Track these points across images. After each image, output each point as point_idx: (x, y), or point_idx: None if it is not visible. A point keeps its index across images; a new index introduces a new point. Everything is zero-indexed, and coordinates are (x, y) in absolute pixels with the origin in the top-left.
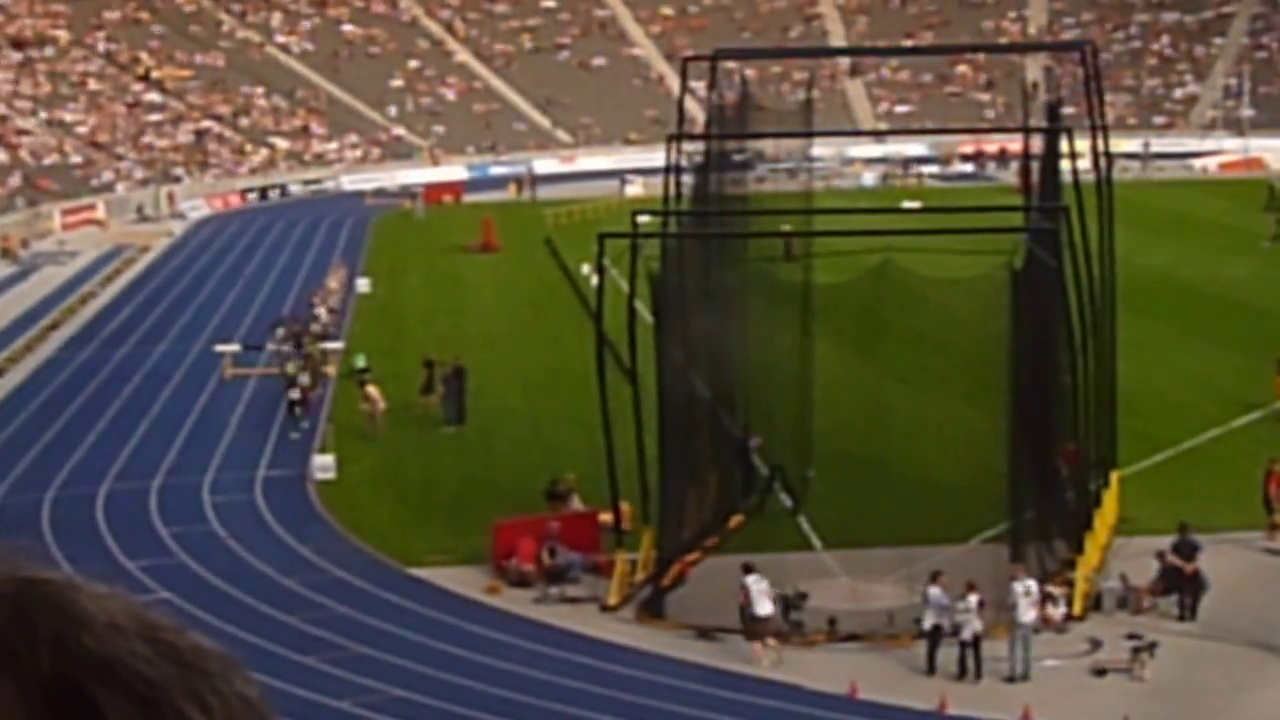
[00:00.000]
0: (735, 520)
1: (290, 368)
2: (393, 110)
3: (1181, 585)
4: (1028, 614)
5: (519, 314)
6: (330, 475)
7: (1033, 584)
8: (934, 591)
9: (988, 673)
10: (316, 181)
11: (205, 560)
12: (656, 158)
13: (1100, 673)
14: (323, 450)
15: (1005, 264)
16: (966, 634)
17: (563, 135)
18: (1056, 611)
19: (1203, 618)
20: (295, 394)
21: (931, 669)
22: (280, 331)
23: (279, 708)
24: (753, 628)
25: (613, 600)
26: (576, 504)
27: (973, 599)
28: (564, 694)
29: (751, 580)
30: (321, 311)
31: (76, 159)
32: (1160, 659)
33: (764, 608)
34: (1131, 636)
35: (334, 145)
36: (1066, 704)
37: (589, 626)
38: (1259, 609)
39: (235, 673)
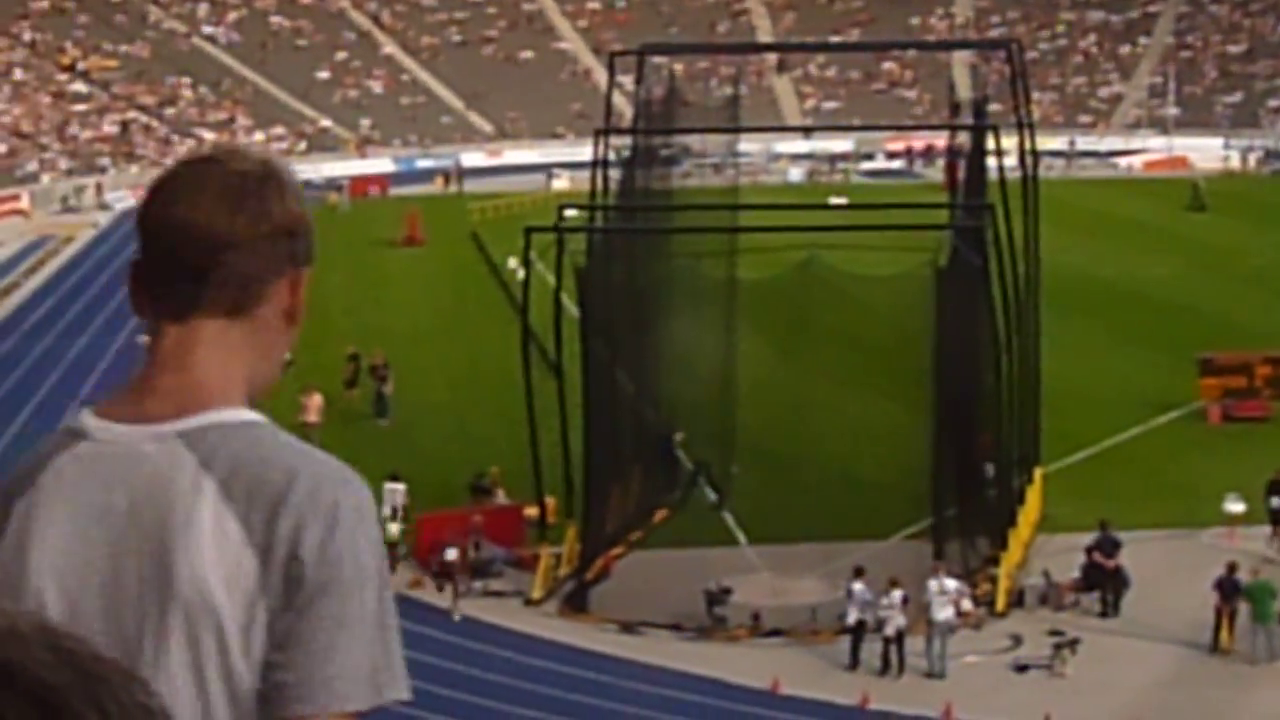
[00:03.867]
0: (659, 515)
1: None
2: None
3: (1103, 582)
4: (943, 612)
5: (444, 308)
6: None
7: (949, 582)
8: (857, 587)
9: (910, 669)
10: None
11: None
12: (583, 152)
13: (1022, 669)
14: None
15: (930, 261)
16: (890, 630)
17: (489, 129)
18: (973, 608)
19: (1124, 614)
20: None
21: (854, 664)
22: None
23: None
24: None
25: (536, 594)
26: (501, 498)
27: (896, 595)
28: (487, 688)
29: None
30: None
31: (0, 149)
32: (1082, 655)
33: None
34: (1053, 633)
35: (260, 136)
36: (988, 700)
37: (513, 620)
38: (1180, 606)
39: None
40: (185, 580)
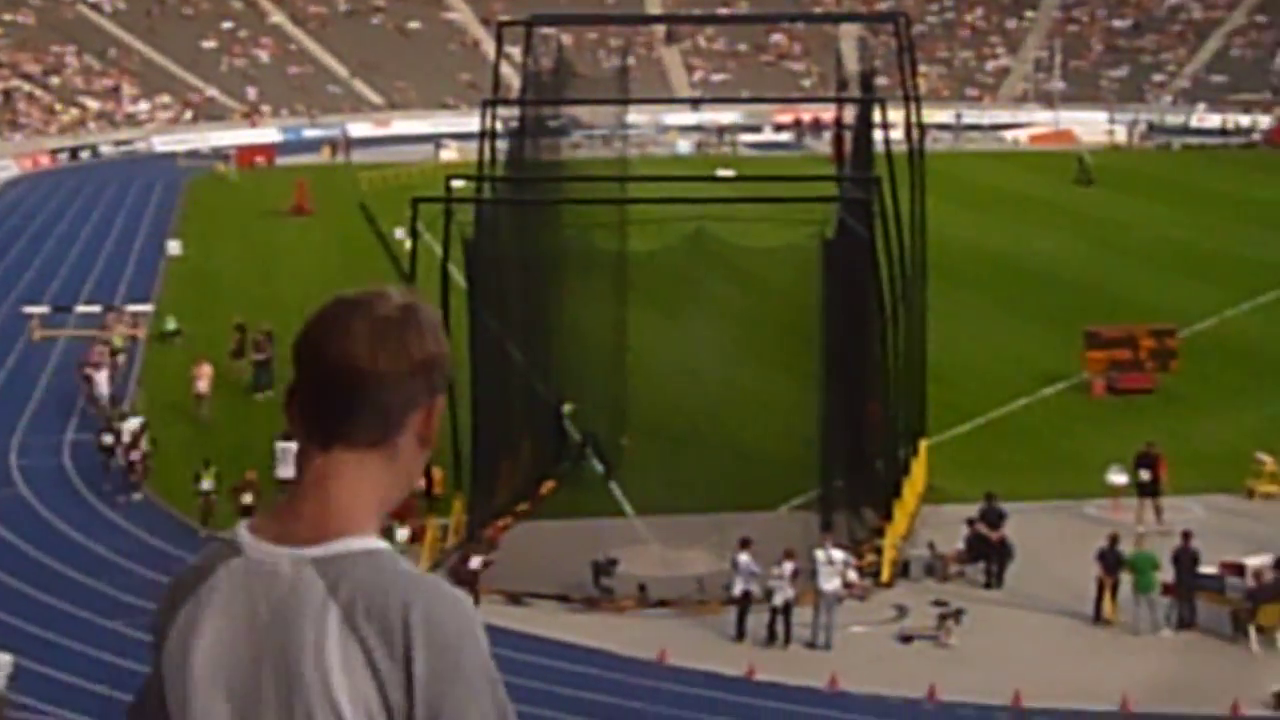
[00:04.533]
0: (547, 486)
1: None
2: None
3: (988, 553)
4: (830, 582)
5: (332, 278)
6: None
7: (836, 552)
8: (743, 558)
9: (796, 640)
10: (128, 142)
11: (11, 524)
12: (472, 123)
13: (907, 639)
14: (131, 414)
15: (817, 234)
16: (778, 600)
17: (377, 99)
18: (859, 579)
19: (1008, 585)
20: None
21: (741, 635)
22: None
23: (85, 673)
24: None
25: (423, 565)
26: None
27: (788, 566)
28: None
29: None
30: (101, 377)
31: None
32: (966, 626)
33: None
34: (938, 604)
35: (146, 106)
36: (873, 671)
37: None
38: (1064, 577)
39: None
40: (316, 694)
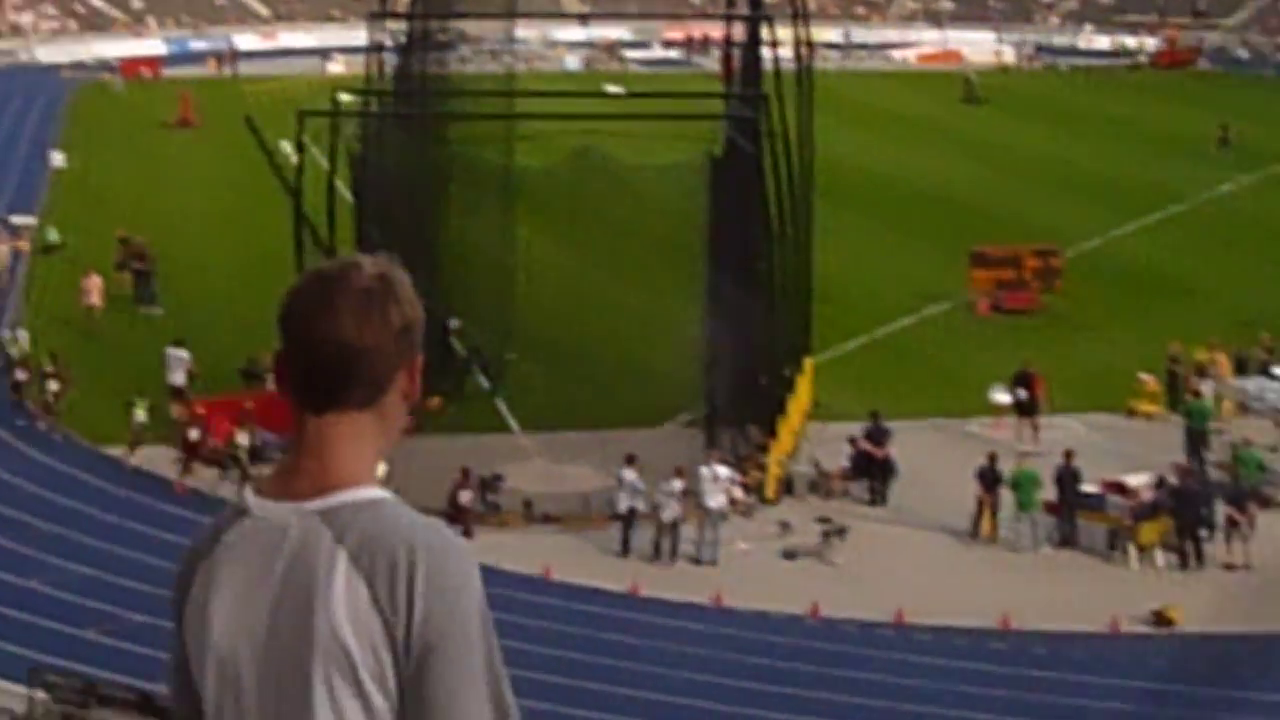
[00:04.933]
0: (433, 402)
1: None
2: None
3: (872, 470)
4: (715, 498)
5: (218, 191)
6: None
7: (721, 469)
8: (629, 475)
9: (681, 556)
10: (10, 53)
11: None
12: (359, 36)
13: (790, 556)
14: (16, 327)
15: (705, 151)
16: (665, 516)
17: (264, 11)
18: (744, 496)
19: (892, 502)
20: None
21: (625, 551)
22: None
23: None
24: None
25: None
26: (273, 384)
27: (677, 484)
28: None
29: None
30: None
31: None
32: (850, 543)
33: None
34: (822, 521)
35: (29, 16)
36: (757, 587)
37: None
38: (947, 494)
39: None
40: (324, 633)
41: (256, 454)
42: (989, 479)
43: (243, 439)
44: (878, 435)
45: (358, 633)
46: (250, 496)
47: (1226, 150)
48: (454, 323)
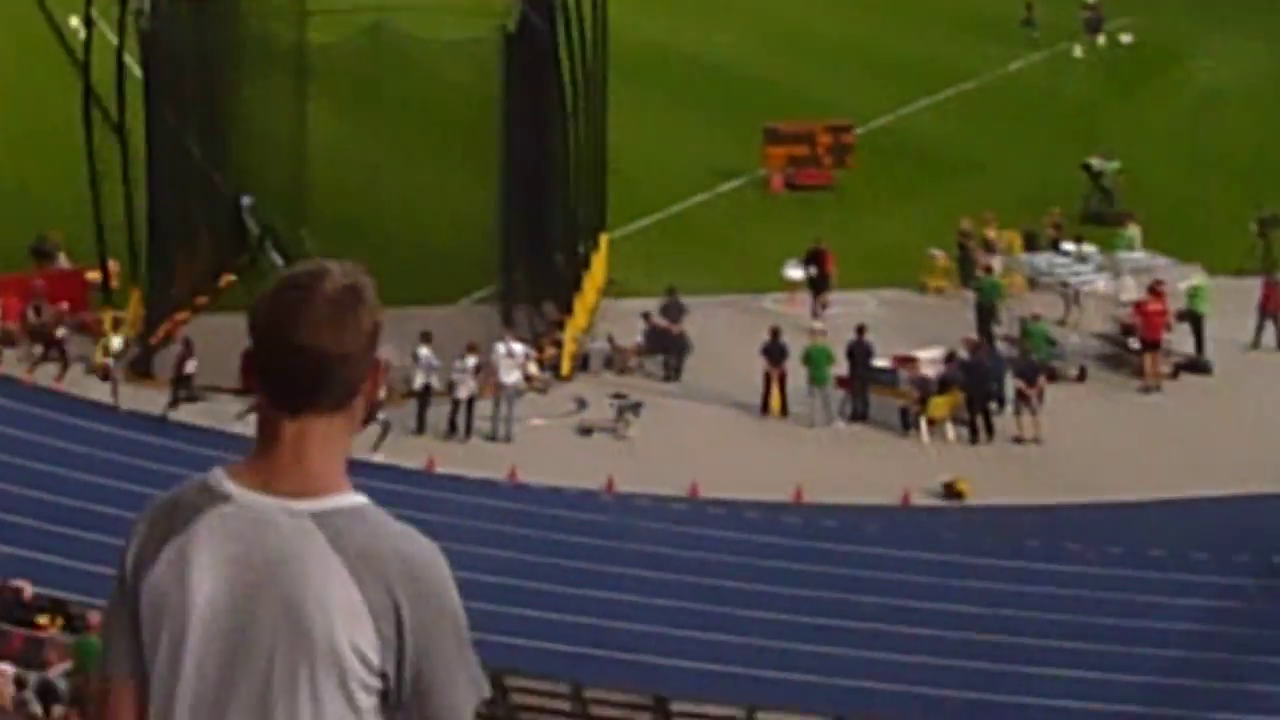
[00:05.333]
0: (226, 279)
1: None
2: None
3: (667, 346)
4: (510, 375)
5: (3, 65)
6: None
7: (516, 346)
8: (424, 352)
9: (476, 432)
10: None
11: None
12: None
13: (586, 432)
14: None
15: (498, 27)
16: (461, 393)
17: None
18: (539, 372)
19: (686, 378)
20: None
21: (421, 428)
22: None
23: None
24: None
25: (98, 360)
26: (63, 261)
27: (471, 360)
28: (48, 453)
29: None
30: None
31: None
32: (644, 418)
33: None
34: (617, 397)
35: None
36: (552, 462)
37: (75, 386)
38: (741, 370)
39: None
40: (320, 636)
41: (42, 333)
42: (774, 354)
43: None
44: (673, 311)
45: (351, 635)
46: (229, 484)
47: (1032, 29)
48: (247, 200)
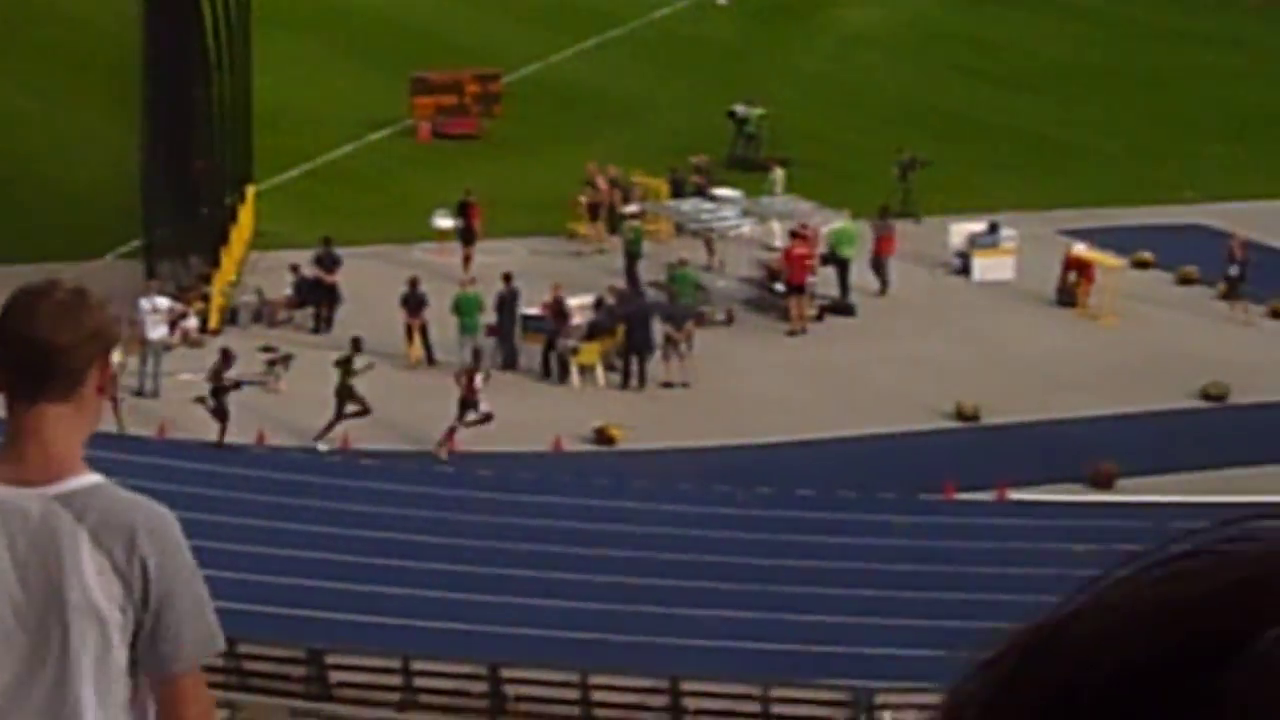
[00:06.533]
0: None
1: None
2: None
3: (318, 297)
4: (156, 330)
5: None
6: None
7: (162, 300)
8: None
9: (124, 390)
10: None
11: None
12: None
13: (236, 386)
14: None
15: None
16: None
17: None
18: (190, 326)
19: (336, 330)
20: None
21: None
22: None
23: None
24: None
25: None
26: None
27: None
28: None
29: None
30: None
31: None
32: (294, 371)
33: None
34: (267, 350)
35: None
36: (203, 418)
37: None
38: (391, 320)
39: None
40: (77, 599)
41: None
42: (412, 303)
43: None
44: (328, 262)
45: (106, 596)
46: None
47: None
48: None
